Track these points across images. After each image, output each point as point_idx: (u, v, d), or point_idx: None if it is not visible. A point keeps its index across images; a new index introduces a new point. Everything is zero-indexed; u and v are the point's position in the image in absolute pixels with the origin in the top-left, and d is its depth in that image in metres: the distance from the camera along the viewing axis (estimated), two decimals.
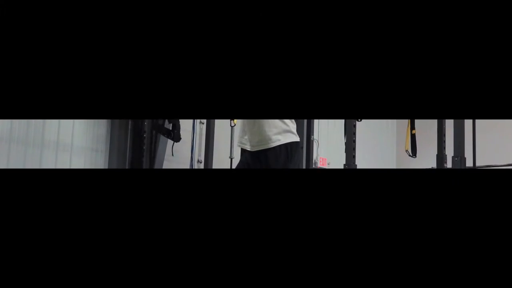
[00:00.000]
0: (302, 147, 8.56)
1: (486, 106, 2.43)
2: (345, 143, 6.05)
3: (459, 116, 2.45)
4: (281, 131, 3.47)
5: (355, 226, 2.45)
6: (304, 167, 8.24)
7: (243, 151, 3.62)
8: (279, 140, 3.46)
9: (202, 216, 2.49)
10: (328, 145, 10.37)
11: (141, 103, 2.51)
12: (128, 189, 2.50)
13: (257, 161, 3.50)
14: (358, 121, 6.74)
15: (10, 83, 2.50)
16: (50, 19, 2.53)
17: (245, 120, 3.55)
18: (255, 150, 3.50)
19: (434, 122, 7.05)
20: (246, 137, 3.57)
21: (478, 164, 4.93)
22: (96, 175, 2.51)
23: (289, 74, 2.50)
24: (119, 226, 2.49)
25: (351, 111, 2.47)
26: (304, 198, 2.47)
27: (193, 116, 2.51)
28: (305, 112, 2.49)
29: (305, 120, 8.21)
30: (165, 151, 7.87)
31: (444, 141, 6.79)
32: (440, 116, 2.45)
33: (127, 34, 2.53)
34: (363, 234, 2.44)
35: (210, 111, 2.51)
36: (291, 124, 3.53)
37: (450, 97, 2.44)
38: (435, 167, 6.30)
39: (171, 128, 7.49)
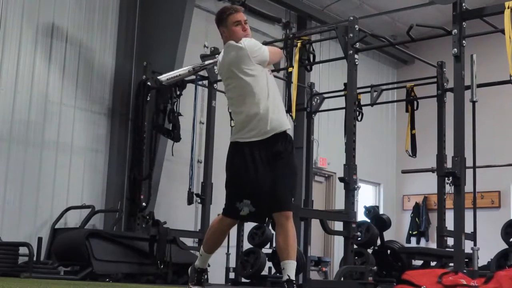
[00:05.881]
0: (302, 147, 8.57)
1: None
2: (345, 143, 6.04)
3: None
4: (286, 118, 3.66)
5: None
6: (304, 167, 8.22)
7: (243, 145, 3.55)
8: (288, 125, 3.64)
9: None
10: (328, 145, 10.36)
11: None
12: None
13: (273, 143, 3.51)
14: (358, 121, 6.73)
15: None
16: None
17: (262, 110, 3.51)
18: (273, 133, 3.53)
19: (434, 122, 7.04)
20: (257, 129, 3.52)
21: (478, 164, 4.92)
22: None
23: None
24: None
25: None
26: None
27: None
28: None
29: (305, 120, 8.19)
30: (165, 151, 7.86)
31: (444, 141, 6.78)
32: None
33: None
34: None
35: None
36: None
37: None
38: (435, 167, 6.29)
39: (171, 128, 7.49)
